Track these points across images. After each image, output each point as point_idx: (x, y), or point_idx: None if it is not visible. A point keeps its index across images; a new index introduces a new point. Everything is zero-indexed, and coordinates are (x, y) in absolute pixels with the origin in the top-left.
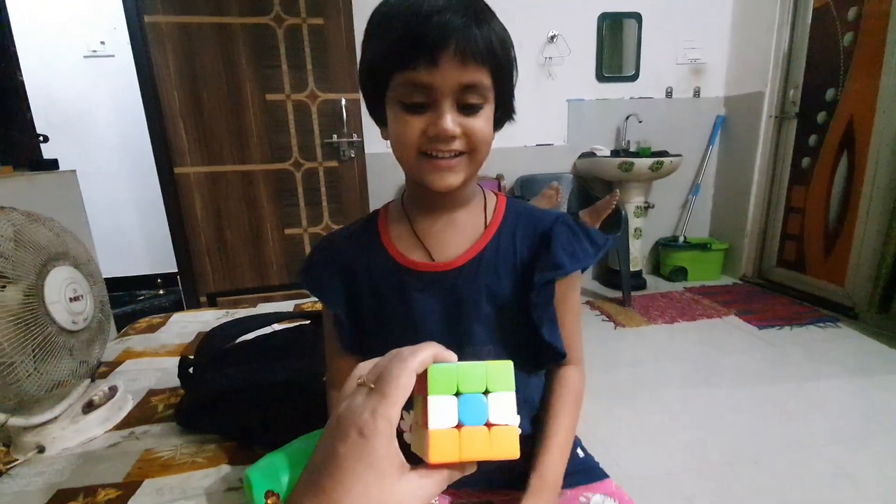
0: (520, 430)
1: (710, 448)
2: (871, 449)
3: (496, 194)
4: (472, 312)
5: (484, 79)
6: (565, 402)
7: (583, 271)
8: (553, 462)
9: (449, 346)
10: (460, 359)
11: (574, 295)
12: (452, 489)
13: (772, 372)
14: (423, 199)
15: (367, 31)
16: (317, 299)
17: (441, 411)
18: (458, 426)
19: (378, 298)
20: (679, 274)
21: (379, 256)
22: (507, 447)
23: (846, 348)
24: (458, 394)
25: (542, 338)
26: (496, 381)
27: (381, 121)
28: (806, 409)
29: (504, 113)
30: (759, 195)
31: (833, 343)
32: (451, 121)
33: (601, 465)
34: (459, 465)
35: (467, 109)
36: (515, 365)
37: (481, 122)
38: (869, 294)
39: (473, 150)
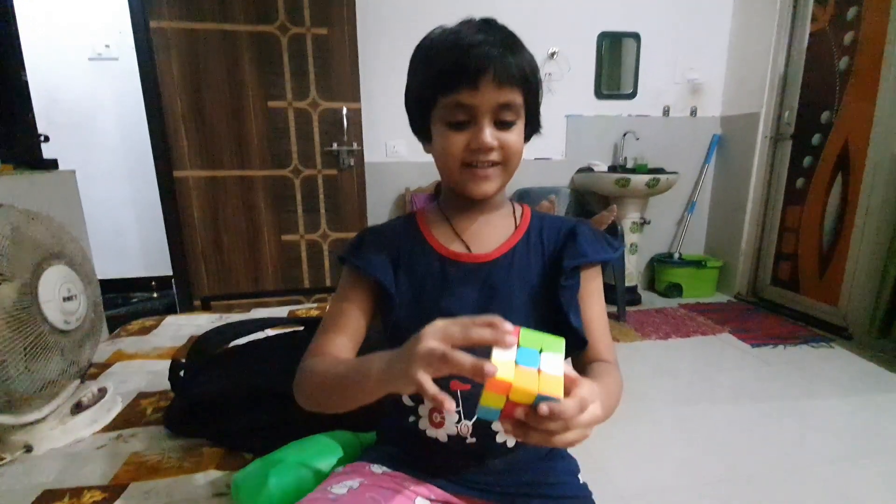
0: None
1: (704, 465)
2: (865, 470)
3: (521, 205)
4: (504, 301)
5: (517, 98)
6: (611, 380)
7: (603, 270)
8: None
9: None
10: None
11: (598, 289)
12: (453, 495)
13: (766, 390)
14: (460, 204)
15: (412, 62)
16: (364, 273)
17: (503, 352)
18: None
19: (417, 286)
20: (674, 290)
21: (422, 248)
22: (553, 389)
23: (840, 368)
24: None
25: (569, 323)
26: (550, 345)
27: (424, 137)
28: (800, 428)
29: (532, 127)
30: (754, 214)
31: (827, 363)
32: (489, 135)
33: (594, 488)
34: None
35: (502, 125)
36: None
37: (514, 136)
38: (864, 315)
39: (507, 161)
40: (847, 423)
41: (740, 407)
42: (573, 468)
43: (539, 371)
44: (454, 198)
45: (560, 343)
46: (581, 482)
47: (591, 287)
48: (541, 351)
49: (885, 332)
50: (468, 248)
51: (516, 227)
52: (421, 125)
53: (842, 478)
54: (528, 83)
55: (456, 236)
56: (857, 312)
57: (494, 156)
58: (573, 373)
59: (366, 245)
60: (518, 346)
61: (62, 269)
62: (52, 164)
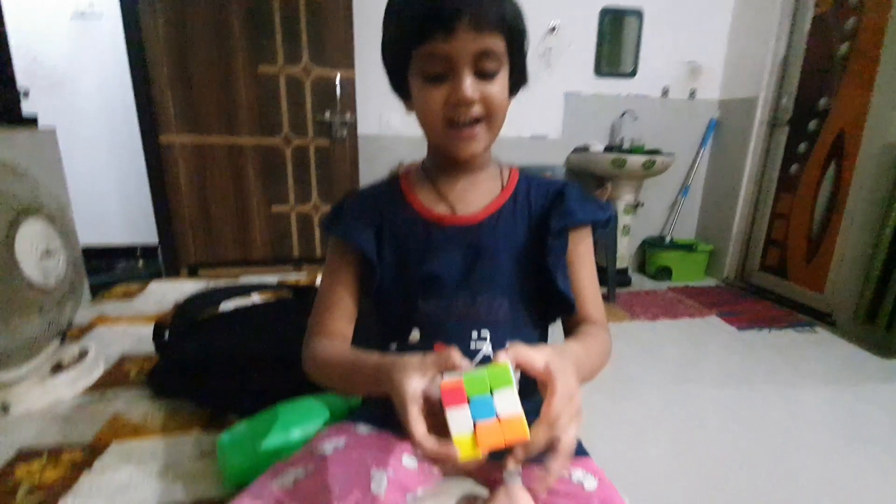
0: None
1: (687, 444)
2: (846, 454)
3: (509, 166)
4: (489, 264)
5: (498, 45)
6: (594, 341)
7: (594, 231)
8: (573, 347)
9: (464, 297)
10: (474, 306)
11: (588, 252)
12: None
13: (751, 373)
14: (445, 164)
15: (386, 13)
16: (346, 241)
17: (458, 421)
18: (475, 425)
19: (400, 250)
20: (664, 273)
21: (405, 211)
22: (518, 432)
23: (822, 353)
24: (468, 400)
25: (556, 286)
26: (497, 380)
27: (404, 95)
28: (783, 410)
29: (518, 79)
30: (747, 200)
31: (810, 347)
32: (469, 87)
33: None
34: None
35: (484, 76)
36: (526, 316)
37: (497, 87)
38: (849, 302)
39: (491, 116)
40: (830, 407)
41: (725, 388)
42: None
43: (498, 419)
44: (438, 158)
45: (506, 371)
46: None
47: (580, 249)
48: (492, 391)
49: (869, 318)
50: (453, 210)
51: (503, 189)
52: (399, 81)
53: (823, 460)
54: (510, 27)
55: (440, 198)
56: (842, 299)
57: (477, 110)
58: (538, 362)
59: (346, 212)
60: (468, 398)
61: (40, 225)
62: (32, 122)
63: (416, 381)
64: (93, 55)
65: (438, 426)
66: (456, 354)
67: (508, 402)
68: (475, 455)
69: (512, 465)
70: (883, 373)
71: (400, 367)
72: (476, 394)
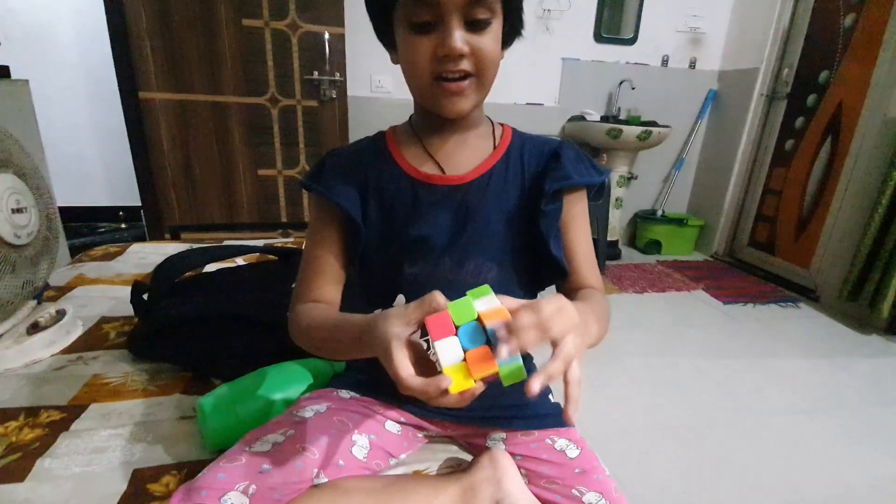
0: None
1: (667, 412)
2: (819, 422)
3: (502, 124)
4: (479, 227)
5: None
6: (595, 304)
7: (589, 197)
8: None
9: (452, 261)
10: (461, 271)
11: (583, 215)
12: (424, 420)
13: (732, 345)
14: (433, 122)
15: None
16: (329, 201)
17: (448, 352)
18: (465, 354)
19: (386, 211)
20: (653, 247)
21: (391, 170)
22: (499, 316)
23: (804, 327)
24: (456, 329)
25: (549, 251)
26: (478, 296)
27: (389, 44)
28: (761, 381)
29: (512, 28)
30: (740, 175)
31: (792, 321)
32: (458, 38)
33: None
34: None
35: (475, 26)
36: (515, 282)
37: (489, 39)
38: (833, 278)
39: (481, 72)
40: (806, 379)
41: (707, 360)
42: (545, 389)
43: (480, 319)
44: (426, 115)
45: (485, 287)
46: (553, 401)
47: (575, 212)
48: (476, 317)
49: (854, 295)
50: (442, 169)
51: (495, 148)
52: (384, 30)
53: (797, 428)
54: None
55: (428, 157)
56: (827, 275)
57: (465, 65)
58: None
59: (329, 170)
60: (455, 328)
61: (9, 179)
62: (4, 72)
63: (399, 326)
64: (69, 5)
65: (426, 375)
66: (439, 297)
67: (489, 303)
68: (467, 385)
69: (505, 352)
70: (862, 347)
71: (383, 317)
72: (463, 321)
